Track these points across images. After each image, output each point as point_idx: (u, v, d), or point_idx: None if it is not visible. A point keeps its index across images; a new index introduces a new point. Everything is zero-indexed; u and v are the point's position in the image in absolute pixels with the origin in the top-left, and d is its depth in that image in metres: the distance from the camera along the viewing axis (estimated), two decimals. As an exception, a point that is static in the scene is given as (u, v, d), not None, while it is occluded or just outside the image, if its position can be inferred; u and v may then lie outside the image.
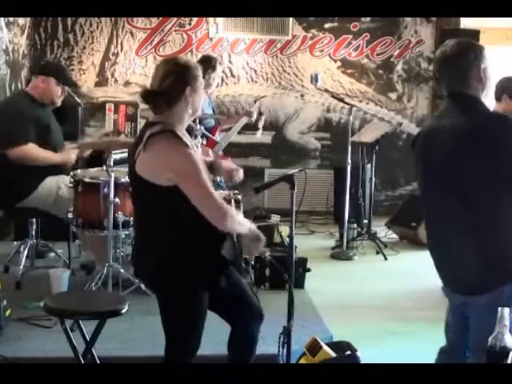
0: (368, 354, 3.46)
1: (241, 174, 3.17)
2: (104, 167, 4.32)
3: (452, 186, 2.62)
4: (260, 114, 5.93)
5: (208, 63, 5.47)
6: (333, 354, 3.36)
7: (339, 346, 3.47)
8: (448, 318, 2.88)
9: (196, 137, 4.70)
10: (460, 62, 2.65)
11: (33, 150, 4.51)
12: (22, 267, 4.68)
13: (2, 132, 4.53)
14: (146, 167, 2.69)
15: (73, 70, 7.26)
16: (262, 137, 6.44)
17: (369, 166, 6.56)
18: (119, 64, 7.39)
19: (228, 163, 3.21)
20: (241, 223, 2.79)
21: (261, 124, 5.95)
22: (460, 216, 2.62)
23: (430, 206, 2.78)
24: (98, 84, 7.38)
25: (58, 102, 4.74)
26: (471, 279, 2.62)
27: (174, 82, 2.72)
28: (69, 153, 4.73)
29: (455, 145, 2.59)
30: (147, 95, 2.76)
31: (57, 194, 4.59)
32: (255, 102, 6.48)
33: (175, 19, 7.34)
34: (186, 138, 2.77)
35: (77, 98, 5.12)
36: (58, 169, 4.64)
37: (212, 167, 3.11)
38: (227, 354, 3.07)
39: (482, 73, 2.65)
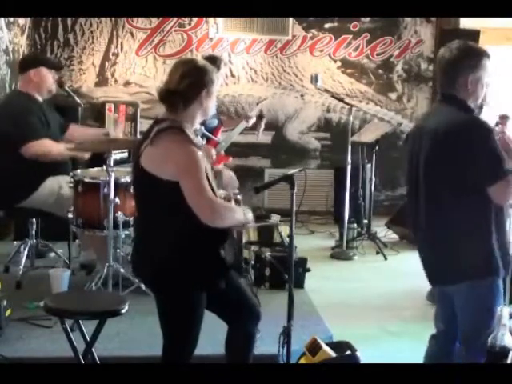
0: (368, 354, 3.47)
1: (235, 183, 3.16)
2: (104, 167, 4.33)
3: (429, 183, 2.82)
4: (260, 117, 5.91)
5: (212, 63, 5.45)
6: (333, 354, 3.37)
7: (339, 346, 3.47)
8: (437, 308, 3.03)
9: (196, 136, 4.69)
10: (454, 67, 2.80)
11: (46, 144, 4.49)
12: (22, 267, 4.68)
13: (11, 132, 4.47)
14: (152, 161, 2.72)
15: (73, 70, 7.27)
16: (261, 137, 6.43)
17: (369, 166, 6.56)
18: (119, 64, 7.39)
19: (227, 173, 3.19)
20: (233, 219, 2.79)
21: (260, 128, 5.92)
22: (437, 210, 2.81)
23: (412, 200, 2.97)
24: (97, 84, 7.39)
25: (54, 89, 4.72)
26: (449, 270, 2.81)
27: (191, 84, 2.78)
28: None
29: (433, 143, 2.76)
30: (164, 94, 2.79)
31: (58, 194, 4.58)
32: (257, 104, 6.45)
33: (175, 19, 7.34)
34: (194, 137, 2.82)
35: (77, 98, 5.10)
36: (58, 169, 4.64)
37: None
38: (225, 354, 3.07)
39: (470, 84, 2.78)
